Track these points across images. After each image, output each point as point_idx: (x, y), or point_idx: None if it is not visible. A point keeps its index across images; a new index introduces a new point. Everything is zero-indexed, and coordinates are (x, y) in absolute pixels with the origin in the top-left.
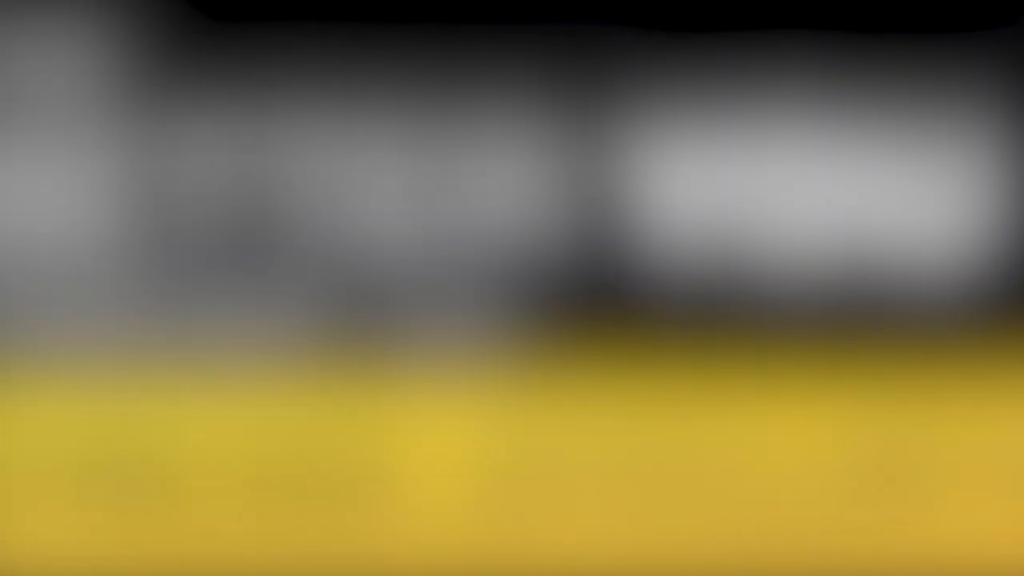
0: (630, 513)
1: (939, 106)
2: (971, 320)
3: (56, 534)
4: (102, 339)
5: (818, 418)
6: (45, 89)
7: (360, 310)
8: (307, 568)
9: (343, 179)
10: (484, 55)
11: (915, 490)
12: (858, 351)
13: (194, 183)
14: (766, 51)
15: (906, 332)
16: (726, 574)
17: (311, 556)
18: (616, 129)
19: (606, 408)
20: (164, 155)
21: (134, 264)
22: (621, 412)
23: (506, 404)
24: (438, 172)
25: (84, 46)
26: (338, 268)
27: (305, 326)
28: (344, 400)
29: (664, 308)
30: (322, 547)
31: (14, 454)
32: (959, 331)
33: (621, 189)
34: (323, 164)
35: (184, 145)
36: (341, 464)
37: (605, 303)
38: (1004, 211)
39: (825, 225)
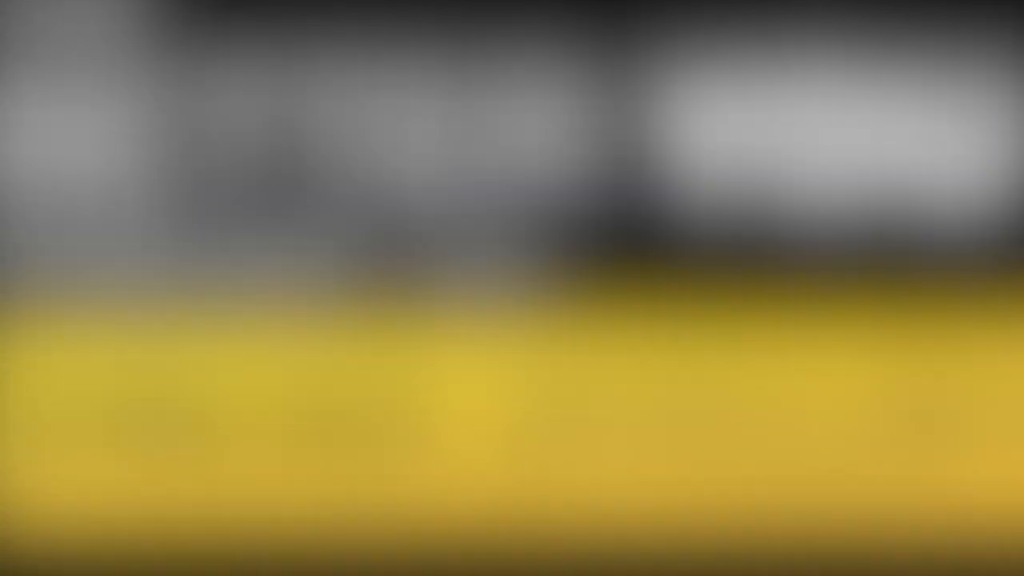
0: (661, 456)
1: (966, 47)
2: (1002, 261)
3: (87, 478)
4: (133, 283)
5: (849, 360)
6: (76, 33)
7: (391, 253)
8: (338, 512)
9: (374, 121)
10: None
11: (948, 433)
12: (889, 293)
13: (225, 125)
14: None
15: (937, 274)
16: (757, 517)
17: (342, 500)
18: (645, 72)
19: (637, 351)
20: (195, 97)
21: (165, 207)
22: (652, 354)
23: (537, 348)
24: (469, 114)
25: None
26: (370, 211)
27: (336, 269)
28: (375, 344)
29: (694, 251)
30: (353, 491)
31: (45, 398)
32: (990, 272)
33: (651, 132)
34: (354, 106)
35: (215, 87)
36: (372, 408)
37: (635, 246)
38: None
39: (855, 166)
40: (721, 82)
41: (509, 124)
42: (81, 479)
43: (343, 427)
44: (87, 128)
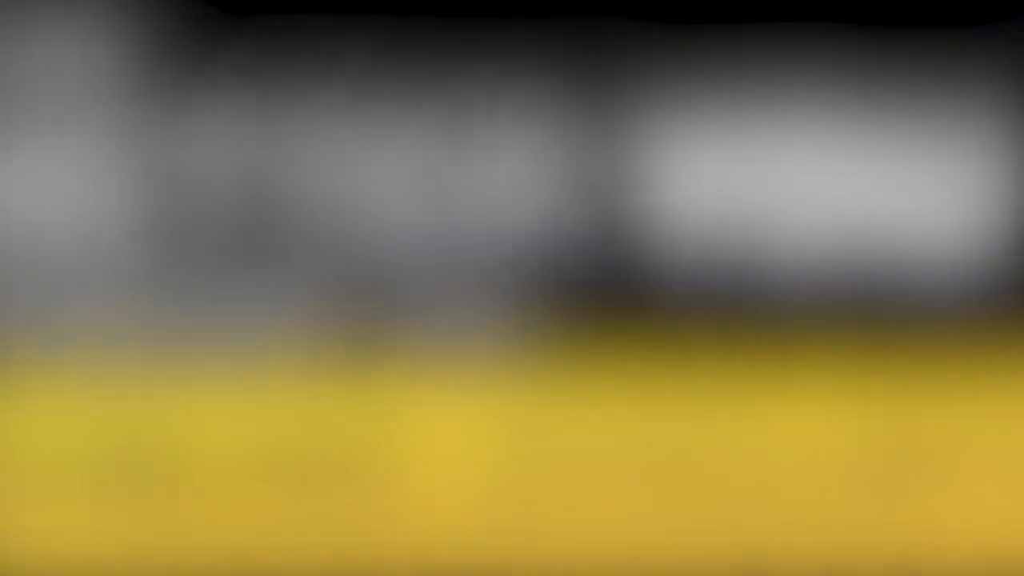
0: (639, 504)
1: (948, 98)
2: (981, 312)
3: (65, 527)
4: (111, 330)
5: (829, 410)
6: (58, 82)
7: (369, 301)
8: (315, 559)
9: (353, 171)
10: (495, 46)
11: (925, 482)
12: (869, 343)
13: (205, 175)
14: (777, 43)
15: (916, 324)
16: (737, 566)
17: (319, 547)
18: (627, 121)
19: (616, 400)
20: (176, 147)
21: (144, 255)
22: (631, 403)
23: (515, 396)
24: (448, 163)
25: (97, 38)
26: (347, 259)
27: (313, 317)
28: (353, 391)
29: (675, 300)
30: (330, 538)
31: (24, 447)
32: (969, 323)
33: (632, 181)
34: (333, 156)
35: (196, 137)
36: (350, 455)
37: (616, 295)
38: (1013, 203)
39: (836, 217)
40: (703, 133)
41: (488, 174)
42: (59, 526)
43: (320, 474)
44: (66, 176)
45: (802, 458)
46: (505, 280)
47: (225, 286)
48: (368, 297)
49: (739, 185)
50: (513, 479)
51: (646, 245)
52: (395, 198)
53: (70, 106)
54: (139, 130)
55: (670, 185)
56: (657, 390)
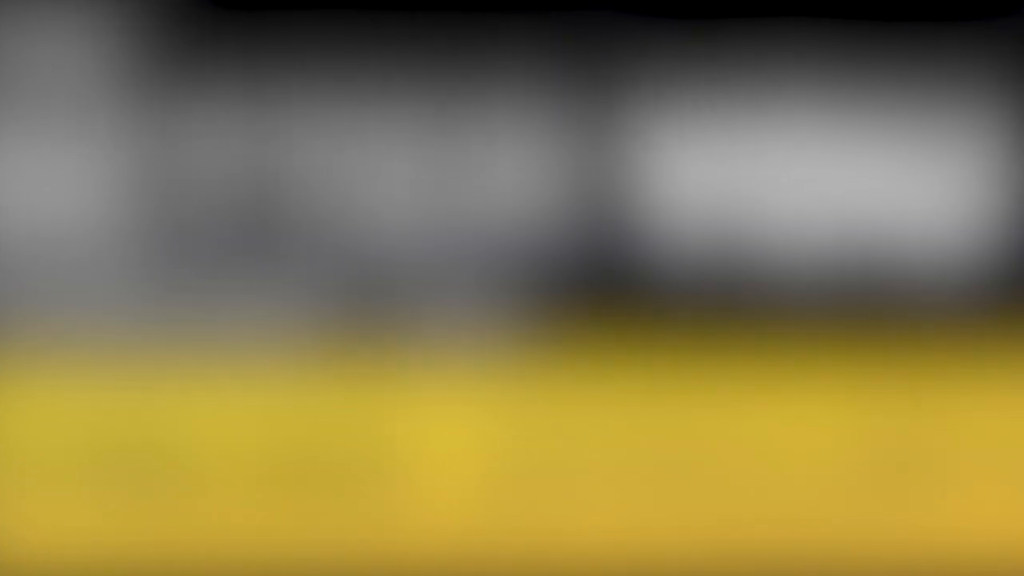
0: (637, 501)
1: (942, 94)
2: (978, 309)
3: (65, 524)
4: (111, 328)
5: (826, 408)
6: (52, 79)
7: (368, 299)
8: (315, 556)
9: (350, 167)
10: (491, 42)
11: (923, 481)
12: (865, 341)
13: (201, 172)
14: (770, 39)
15: (913, 321)
16: (734, 564)
17: (319, 545)
18: (622, 117)
19: (613, 397)
20: (171, 144)
21: (142, 253)
22: (628, 401)
23: (514, 393)
24: (445, 160)
25: (91, 35)
26: (346, 257)
27: (313, 314)
28: (353, 389)
29: (670, 297)
30: (330, 536)
31: (23, 443)
32: (966, 320)
33: (627, 177)
34: (330, 152)
35: (191, 134)
36: (350, 453)
37: (611, 292)
38: (1009, 199)
39: (831, 214)
40: (696, 129)
41: (485, 171)
42: (59, 523)
43: (320, 472)
44: (63, 174)
45: (802, 454)
46: (504, 277)
47: (225, 282)
48: (368, 293)
49: (736, 180)
50: (514, 476)
51: (642, 242)
52: (394, 195)
53: (66, 102)
54: (137, 125)
55: (666, 181)
56: (656, 387)
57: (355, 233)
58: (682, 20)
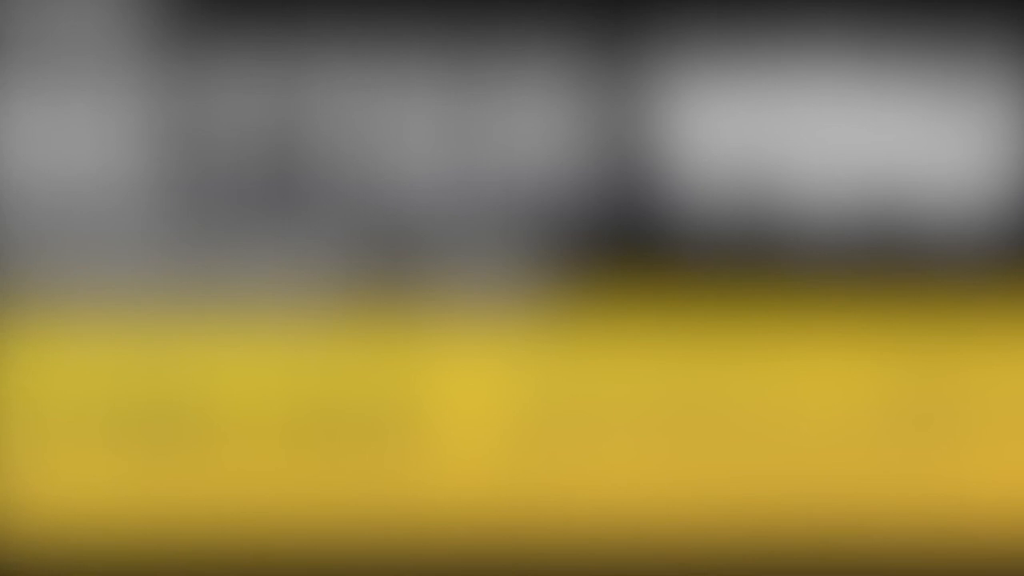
0: (660, 454)
1: (966, 47)
2: (1001, 262)
3: (86, 477)
4: (134, 282)
5: (849, 361)
6: (76, 33)
7: (391, 253)
8: (337, 510)
9: (373, 122)
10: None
11: (947, 433)
12: (889, 293)
13: (224, 126)
14: None
15: (937, 274)
16: (756, 516)
17: (341, 498)
18: (644, 72)
19: (636, 351)
20: (195, 98)
21: (164, 206)
22: (651, 354)
23: (536, 346)
24: (468, 114)
25: None
26: (369, 210)
27: (336, 269)
28: (375, 343)
29: (694, 250)
30: (353, 489)
31: (44, 397)
32: (989, 273)
33: (651, 130)
34: (353, 107)
35: (215, 88)
36: (372, 407)
37: (634, 246)
38: None
39: (855, 166)
40: (720, 83)
41: (508, 124)
42: (80, 478)
43: (342, 426)
44: (85, 128)
45: (826, 407)
46: (528, 229)
47: (248, 236)
48: (392, 247)
49: (759, 135)
50: (537, 429)
51: (666, 195)
52: (417, 149)
53: (89, 56)
54: (161, 79)
55: (690, 135)
56: (680, 340)
57: (379, 186)
58: None
